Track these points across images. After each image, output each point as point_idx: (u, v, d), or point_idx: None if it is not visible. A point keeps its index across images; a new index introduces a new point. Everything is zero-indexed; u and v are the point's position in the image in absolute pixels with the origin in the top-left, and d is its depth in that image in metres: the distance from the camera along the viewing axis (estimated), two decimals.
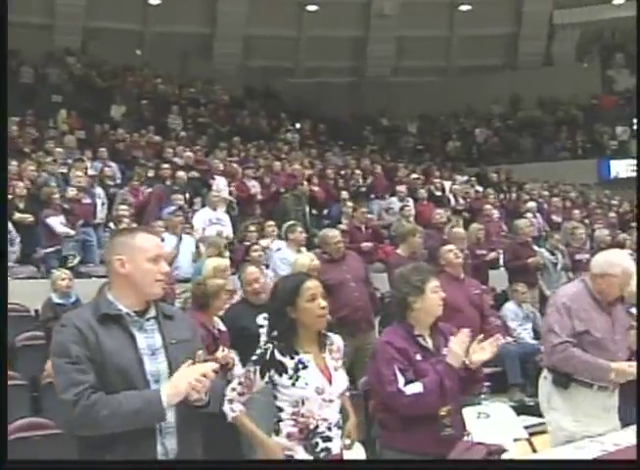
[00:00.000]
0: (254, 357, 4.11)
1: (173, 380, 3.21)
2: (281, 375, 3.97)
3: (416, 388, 4.25)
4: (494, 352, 4.43)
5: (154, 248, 3.42)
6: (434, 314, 4.50)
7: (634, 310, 5.60)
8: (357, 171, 17.70)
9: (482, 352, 4.37)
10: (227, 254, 9.73)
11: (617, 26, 29.48)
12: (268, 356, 4.00)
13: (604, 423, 5.12)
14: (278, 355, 3.99)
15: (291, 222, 10.94)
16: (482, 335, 4.50)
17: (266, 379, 4.00)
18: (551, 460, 3.96)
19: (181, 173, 13.81)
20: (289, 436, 3.99)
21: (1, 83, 6.07)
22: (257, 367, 4.02)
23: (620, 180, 26.33)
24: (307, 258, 8.41)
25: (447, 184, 18.23)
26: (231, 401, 4.07)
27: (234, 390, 4.07)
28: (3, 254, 2.95)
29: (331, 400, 4.03)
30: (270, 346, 4.03)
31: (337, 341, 4.22)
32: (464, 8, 28.59)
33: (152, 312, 3.39)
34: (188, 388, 3.16)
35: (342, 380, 4.13)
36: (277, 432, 4.03)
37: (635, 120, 26.92)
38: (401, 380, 4.26)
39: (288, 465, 4.01)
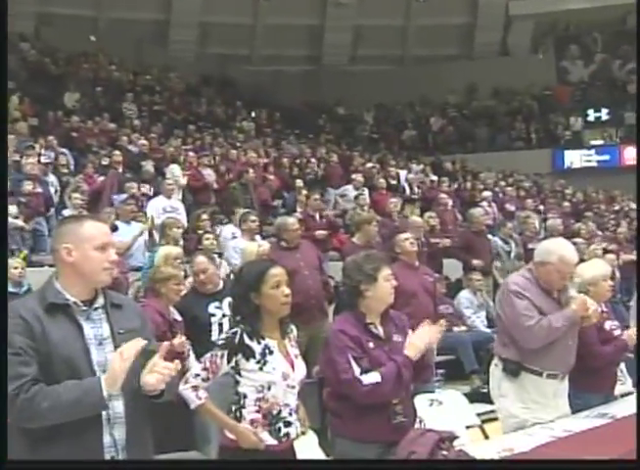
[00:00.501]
0: (221, 342, 4.07)
1: (110, 367, 3.14)
2: (248, 359, 3.94)
3: (374, 377, 4.25)
4: (438, 338, 4.48)
5: (101, 236, 3.35)
6: (386, 302, 4.49)
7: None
8: (313, 160, 17.69)
9: (422, 342, 4.39)
10: (181, 241, 9.67)
11: (571, 18, 29.72)
12: (237, 340, 3.96)
13: (554, 410, 5.18)
14: (246, 339, 3.97)
15: (244, 211, 10.91)
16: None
17: (232, 364, 3.96)
18: (551, 460, 3.98)
19: (149, 167, 13.64)
20: (252, 422, 3.97)
21: (1, 85, 5.90)
22: (225, 351, 3.97)
23: (574, 170, 26.68)
24: (255, 245, 8.47)
25: (403, 173, 18.29)
26: (196, 389, 3.99)
27: (198, 376, 4.00)
28: (3, 253, 2.92)
29: (293, 387, 4.04)
30: (238, 330, 4.00)
31: (294, 329, 4.23)
32: None
33: (99, 301, 3.34)
34: (124, 374, 3.09)
35: (302, 367, 4.14)
36: (239, 419, 3.99)
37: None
38: (357, 369, 4.25)
39: (286, 465, 4.01)
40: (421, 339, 4.37)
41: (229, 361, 3.97)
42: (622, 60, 29.27)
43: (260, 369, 3.94)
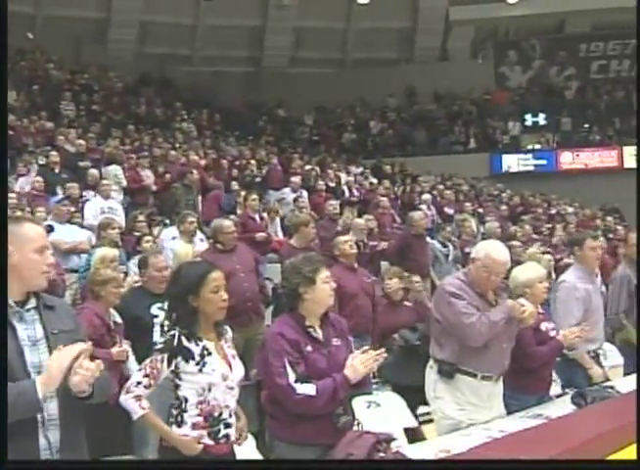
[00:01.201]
0: (160, 345, 4.01)
1: (47, 368, 3.11)
2: (187, 362, 3.91)
3: (309, 389, 4.23)
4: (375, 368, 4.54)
5: (40, 238, 3.33)
6: (325, 305, 4.48)
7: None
8: (252, 162, 17.62)
9: (364, 367, 4.36)
10: (119, 242, 9.56)
11: (510, 25, 30.15)
12: (176, 343, 3.93)
13: (488, 411, 5.24)
14: (185, 341, 3.94)
15: (184, 212, 10.82)
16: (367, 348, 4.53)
17: (172, 367, 3.92)
18: (488, 460, 4.01)
19: (93, 171, 13.39)
20: (194, 425, 3.94)
21: (1, 84, 5.76)
22: (165, 355, 3.93)
23: (512, 174, 27.02)
24: (188, 247, 8.43)
25: (342, 176, 18.33)
26: (139, 398, 3.92)
27: (140, 383, 3.93)
28: (2, 252, 2.88)
29: (232, 388, 4.03)
30: (175, 332, 3.97)
31: (228, 330, 4.21)
32: (362, 1, 28.74)
33: (32, 302, 3.30)
34: (61, 376, 3.08)
35: (240, 367, 4.12)
36: (180, 423, 3.96)
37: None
38: (292, 375, 4.24)
39: (281, 465, 4.01)
40: (364, 365, 4.32)
41: (169, 365, 3.93)
42: (560, 66, 29.82)
43: (200, 371, 3.92)
